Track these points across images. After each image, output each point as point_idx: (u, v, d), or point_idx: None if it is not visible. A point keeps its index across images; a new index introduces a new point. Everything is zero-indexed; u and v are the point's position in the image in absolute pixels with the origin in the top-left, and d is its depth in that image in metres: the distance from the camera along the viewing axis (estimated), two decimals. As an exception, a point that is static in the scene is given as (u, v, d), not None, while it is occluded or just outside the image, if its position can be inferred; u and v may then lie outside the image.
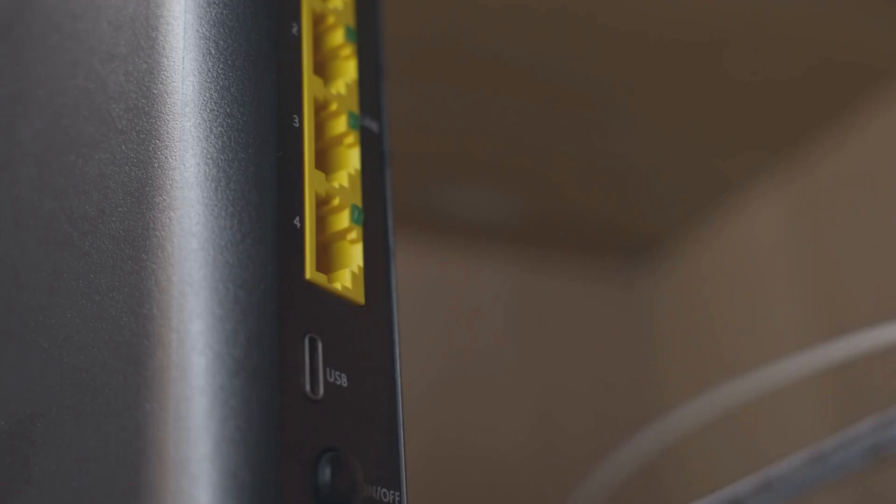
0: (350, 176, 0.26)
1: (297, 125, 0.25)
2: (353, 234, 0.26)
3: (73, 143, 0.26)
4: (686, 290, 0.74)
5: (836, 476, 0.19)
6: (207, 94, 0.24)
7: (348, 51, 0.27)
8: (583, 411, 0.66)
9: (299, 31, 0.26)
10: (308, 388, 0.23)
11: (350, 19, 0.28)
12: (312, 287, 0.24)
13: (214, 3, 0.25)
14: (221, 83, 0.24)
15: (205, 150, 0.24)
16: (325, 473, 0.22)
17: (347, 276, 0.25)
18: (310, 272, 0.24)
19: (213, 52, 0.24)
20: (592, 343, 0.72)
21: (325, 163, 0.26)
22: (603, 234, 0.77)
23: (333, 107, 0.26)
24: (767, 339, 0.65)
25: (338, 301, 0.25)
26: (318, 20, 0.27)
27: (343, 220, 0.26)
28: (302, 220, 0.24)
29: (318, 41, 0.27)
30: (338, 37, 0.27)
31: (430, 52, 0.57)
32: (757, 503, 0.20)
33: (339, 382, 0.24)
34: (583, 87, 0.62)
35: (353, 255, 0.26)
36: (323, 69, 0.27)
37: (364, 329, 0.25)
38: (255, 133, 0.24)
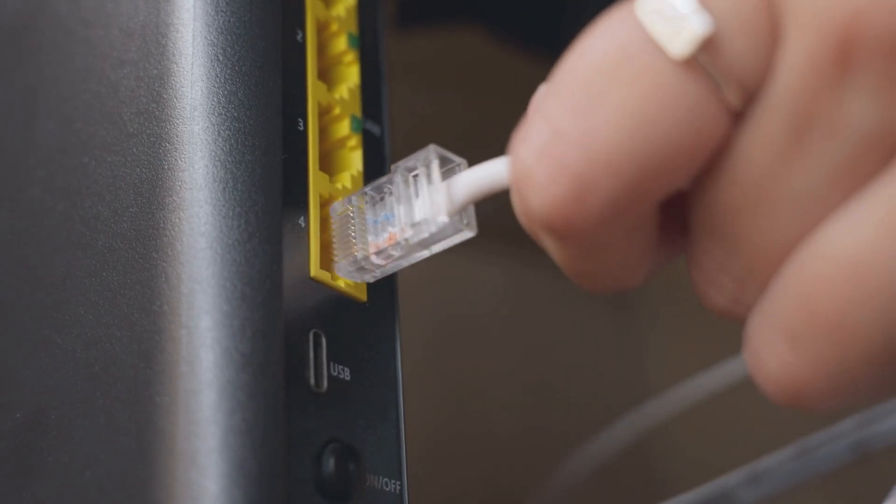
0: (353, 177, 0.26)
1: (301, 128, 0.26)
2: (356, 234, 0.26)
3: (86, 146, 0.26)
4: (678, 285, 0.74)
5: (821, 470, 0.20)
6: (215, 99, 0.25)
7: (351, 57, 0.28)
8: (575, 400, 0.66)
9: (304, 37, 0.27)
10: (312, 381, 0.24)
11: (353, 26, 0.28)
12: (317, 284, 0.25)
13: (222, 10, 0.25)
14: (229, 88, 0.25)
15: (213, 153, 0.24)
16: (329, 464, 0.23)
17: (350, 274, 0.26)
18: (314, 270, 0.25)
19: (221, 59, 0.25)
20: (587, 334, 0.72)
21: (328, 165, 0.27)
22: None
23: (337, 111, 0.27)
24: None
25: (341, 298, 0.25)
26: (321, 27, 0.27)
27: (346, 220, 0.26)
28: (306, 220, 0.25)
29: (322, 47, 0.27)
30: (341, 43, 0.28)
31: (430, 55, 0.57)
32: (745, 495, 0.20)
33: (342, 376, 0.24)
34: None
35: (356, 254, 0.26)
36: (326, 74, 0.28)
37: (366, 325, 0.26)
38: (262, 136, 0.25)
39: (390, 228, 0.24)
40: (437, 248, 0.24)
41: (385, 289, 0.26)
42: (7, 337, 0.27)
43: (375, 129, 0.28)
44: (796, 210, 0.19)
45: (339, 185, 0.26)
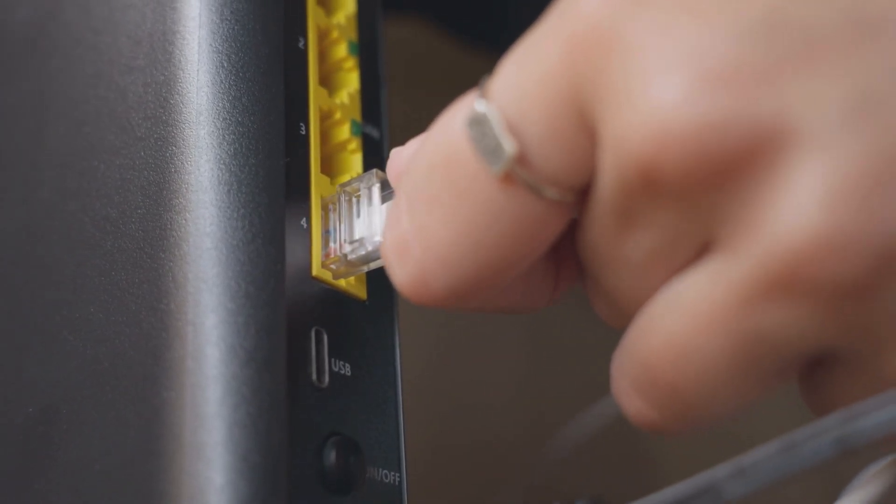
0: None
1: (303, 133, 0.26)
2: (356, 234, 0.26)
3: (95, 150, 0.27)
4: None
5: (806, 465, 0.20)
6: (220, 104, 0.25)
7: (351, 63, 0.28)
8: (571, 383, 0.67)
9: (305, 45, 0.27)
10: (314, 377, 0.24)
11: (352, 34, 0.29)
12: (318, 283, 0.25)
13: (227, 19, 0.26)
14: (233, 94, 0.25)
15: (218, 156, 0.25)
16: (330, 456, 0.24)
17: (351, 273, 0.26)
18: (316, 269, 0.25)
19: (226, 65, 0.26)
20: (580, 322, 0.72)
21: (329, 167, 0.27)
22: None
23: (337, 115, 0.27)
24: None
25: (342, 296, 0.26)
26: (322, 35, 0.28)
27: (346, 221, 0.26)
28: (308, 221, 0.25)
29: (323, 54, 0.28)
30: (341, 50, 0.28)
31: (429, 61, 0.57)
32: (731, 487, 0.21)
33: (343, 372, 0.25)
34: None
35: (356, 254, 0.26)
36: (327, 80, 0.28)
37: (366, 322, 0.26)
38: (265, 140, 0.25)
39: (331, 244, 0.25)
40: (374, 265, 0.25)
41: (385, 287, 0.27)
42: (20, 334, 0.27)
43: (375, 133, 0.28)
44: (630, 271, 0.21)
45: (336, 188, 0.26)
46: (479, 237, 0.21)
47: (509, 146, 0.20)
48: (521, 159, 0.20)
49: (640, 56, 0.19)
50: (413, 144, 0.24)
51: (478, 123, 0.20)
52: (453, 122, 0.21)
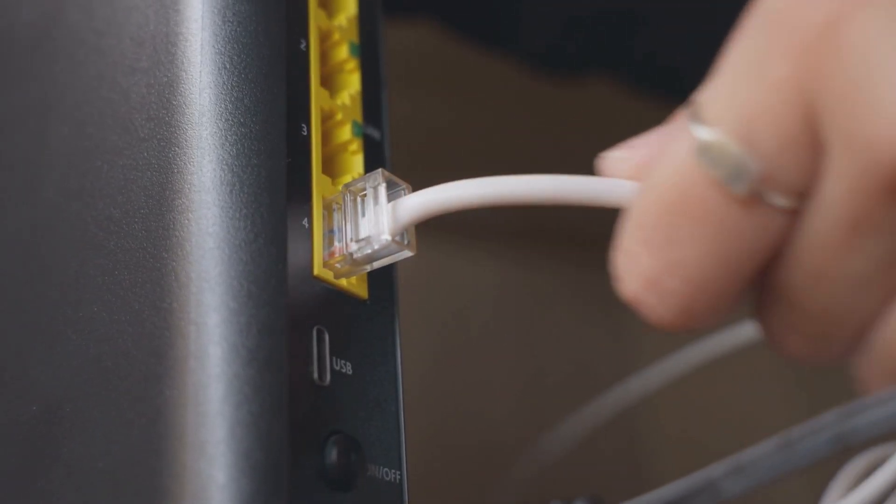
0: (354, 180, 0.27)
1: (305, 133, 0.26)
2: (357, 234, 0.27)
3: (98, 150, 0.27)
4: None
5: (804, 462, 0.20)
6: (223, 105, 0.25)
7: (352, 65, 0.28)
8: (568, 383, 0.67)
9: (307, 46, 0.27)
10: (316, 375, 0.24)
11: (354, 35, 0.29)
12: (320, 283, 0.25)
13: (229, 20, 0.26)
14: (235, 95, 0.25)
15: (220, 157, 0.25)
16: (331, 454, 0.24)
17: (352, 273, 0.26)
18: (317, 269, 0.25)
19: (228, 67, 0.26)
20: (579, 328, 0.73)
21: (331, 168, 0.28)
22: (590, 227, 0.78)
23: (339, 116, 0.28)
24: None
25: (343, 296, 0.26)
26: (324, 36, 0.28)
27: (348, 221, 0.27)
28: (310, 221, 0.26)
29: (324, 56, 0.28)
30: (343, 52, 0.28)
31: (430, 61, 0.57)
32: (730, 485, 0.21)
33: (344, 370, 0.25)
34: (575, 88, 0.63)
35: (357, 254, 0.27)
36: (329, 81, 0.28)
37: (367, 321, 0.26)
38: (267, 141, 0.25)
39: (336, 243, 0.26)
40: (377, 264, 0.26)
41: (385, 286, 0.27)
42: (24, 333, 0.27)
43: (376, 134, 0.28)
44: (855, 288, 0.21)
45: (340, 188, 0.27)
46: (730, 258, 0.21)
47: (754, 165, 0.20)
48: (762, 179, 0.20)
49: (878, 57, 0.19)
50: (642, 143, 0.24)
51: (709, 151, 0.20)
52: (676, 157, 0.21)
